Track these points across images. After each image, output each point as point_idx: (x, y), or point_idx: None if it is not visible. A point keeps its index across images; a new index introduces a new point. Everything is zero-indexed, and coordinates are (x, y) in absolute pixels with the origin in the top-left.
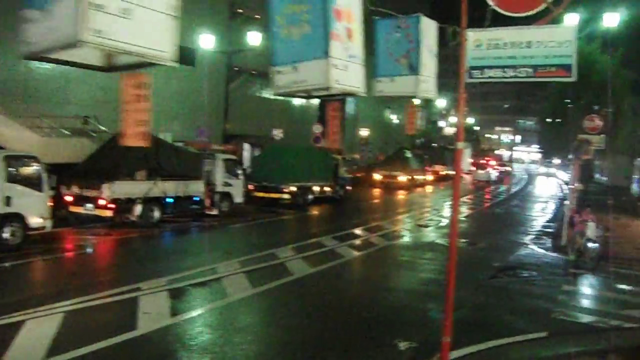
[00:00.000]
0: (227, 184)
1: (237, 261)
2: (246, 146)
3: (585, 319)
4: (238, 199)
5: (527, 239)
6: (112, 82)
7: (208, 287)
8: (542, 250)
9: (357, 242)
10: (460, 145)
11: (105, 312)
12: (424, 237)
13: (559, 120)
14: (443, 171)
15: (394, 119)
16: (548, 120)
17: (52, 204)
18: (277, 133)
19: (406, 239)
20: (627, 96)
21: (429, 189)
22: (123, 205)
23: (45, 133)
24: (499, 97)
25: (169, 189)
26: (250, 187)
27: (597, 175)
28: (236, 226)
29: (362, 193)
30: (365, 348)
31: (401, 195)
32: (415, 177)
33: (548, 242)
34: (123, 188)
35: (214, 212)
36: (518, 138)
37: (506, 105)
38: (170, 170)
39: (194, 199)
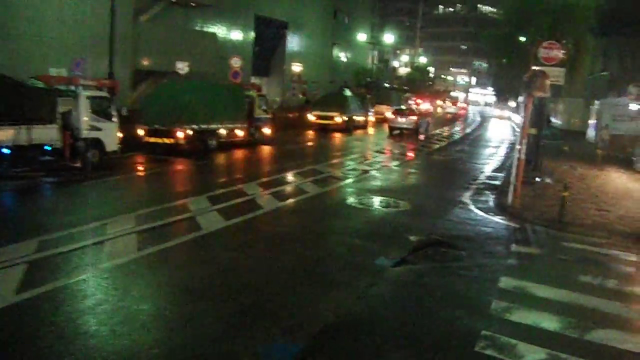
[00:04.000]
0: (95, 128)
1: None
2: None
3: (530, 356)
4: (111, 146)
5: (466, 195)
6: None
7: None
8: (482, 213)
9: (238, 203)
10: None
11: None
12: (334, 195)
13: (506, 58)
14: (388, 112)
15: (342, 57)
16: (503, 60)
17: None
18: (182, 67)
19: (308, 196)
20: (588, 27)
21: (370, 131)
22: None
23: None
24: (455, 38)
25: (3, 136)
26: (141, 131)
27: (552, 119)
28: (99, 181)
29: (287, 136)
30: None
31: (334, 138)
32: (354, 118)
33: (491, 199)
34: None
35: (77, 164)
36: (474, 80)
37: (463, 47)
38: (6, 112)
39: (45, 148)
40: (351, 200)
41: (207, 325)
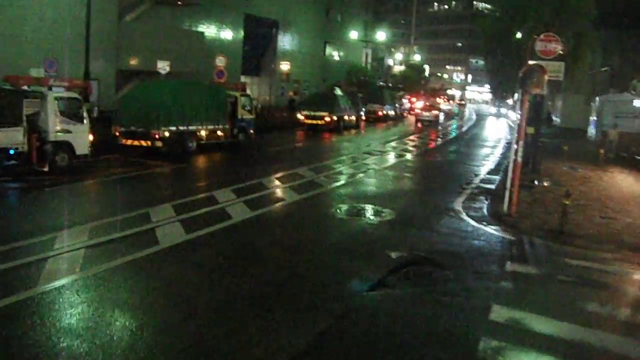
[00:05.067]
0: (64, 131)
1: None
2: None
3: None
4: (82, 149)
5: (458, 201)
6: None
7: None
8: (474, 222)
9: (205, 213)
10: None
11: None
12: (314, 203)
13: (502, 54)
14: (381, 111)
15: (335, 55)
16: (499, 56)
17: None
18: (163, 66)
19: (285, 204)
20: (589, 19)
21: (361, 131)
22: None
23: None
24: (450, 35)
25: None
26: (117, 133)
27: (553, 117)
28: (64, 187)
29: (274, 137)
30: None
31: (323, 139)
32: (346, 117)
33: (485, 206)
34: None
35: (45, 168)
36: (470, 78)
37: (459, 44)
38: None
39: (9, 152)
40: (331, 208)
41: None
